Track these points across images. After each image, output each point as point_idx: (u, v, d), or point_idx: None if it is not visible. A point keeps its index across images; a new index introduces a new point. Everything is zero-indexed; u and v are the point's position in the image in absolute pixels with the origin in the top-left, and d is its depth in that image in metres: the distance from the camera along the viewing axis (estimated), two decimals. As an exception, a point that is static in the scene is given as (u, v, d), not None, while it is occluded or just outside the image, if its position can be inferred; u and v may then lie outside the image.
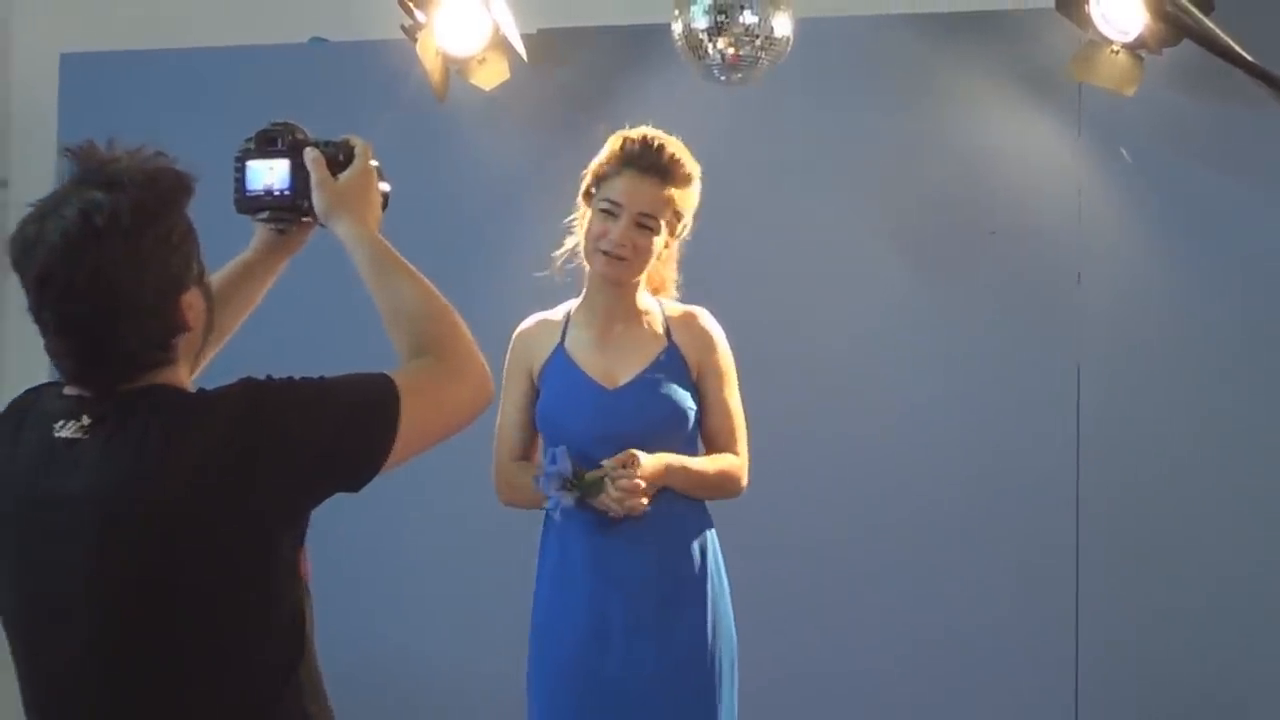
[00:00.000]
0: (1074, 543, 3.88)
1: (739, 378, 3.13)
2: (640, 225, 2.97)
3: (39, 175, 4.67)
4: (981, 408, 3.97)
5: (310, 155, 2.11)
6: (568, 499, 2.92)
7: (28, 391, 2.01)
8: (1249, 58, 3.55)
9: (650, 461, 2.93)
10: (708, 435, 3.10)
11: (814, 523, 3.98)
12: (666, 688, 2.96)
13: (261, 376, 1.90)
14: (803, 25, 3.59)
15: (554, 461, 2.91)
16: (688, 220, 3.06)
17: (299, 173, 2.11)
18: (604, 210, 2.99)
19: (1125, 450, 3.90)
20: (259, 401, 1.87)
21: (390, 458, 1.91)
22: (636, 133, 3.02)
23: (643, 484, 2.90)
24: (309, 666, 1.93)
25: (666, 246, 3.04)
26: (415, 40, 4.02)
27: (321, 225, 2.16)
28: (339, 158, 2.13)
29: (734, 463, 3.08)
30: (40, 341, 1.88)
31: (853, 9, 4.10)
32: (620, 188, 2.98)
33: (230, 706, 1.86)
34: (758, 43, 3.53)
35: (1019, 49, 4.01)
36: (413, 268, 2.08)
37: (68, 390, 1.92)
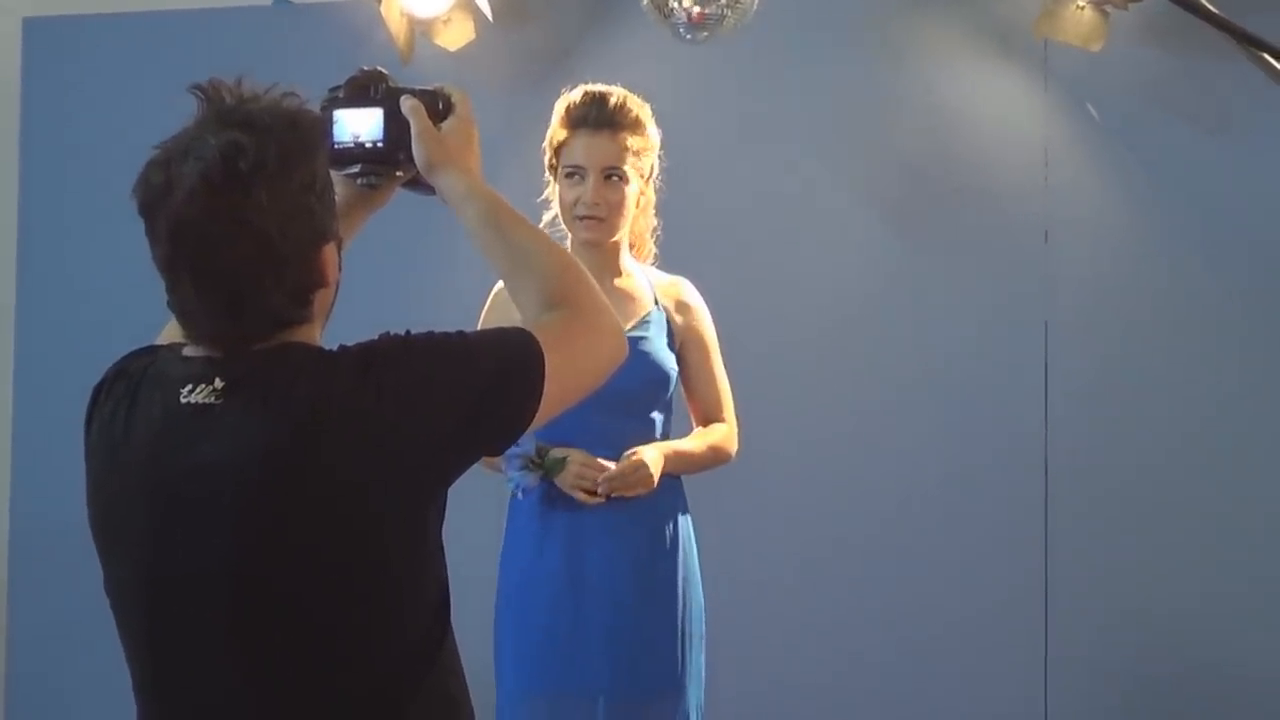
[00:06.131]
0: (1042, 498, 3.89)
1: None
2: (607, 180, 3.01)
3: (2, 144, 4.64)
4: (949, 367, 3.97)
5: (409, 103, 1.96)
6: (530, 479, 2.96)
7: (137, 354, 1.85)
8: (1215, 11, 3.55)
9: (650, 452, 2.97)
10: (697, 405, 3.15)
11: (779, 480, 3.98)
12: (637, 650, 2.98)
13: (400, 331, 1.78)
14: (768, -18, 3.58)
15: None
16: (654, 160, 3.08)
17: (393, 123, 1.97)
18: (570, 177, 3.03)
19: (1093, 408, 3.91)
20: (409, 357, 1.73)
21: (535, 418, 1.80)
22: (577, 93, 3.06)
23: (646, 474, 2.95)
24: (451, 645, 1.83)
25: (642, 194, 3.08)
26: (379, 1, 4.00)
27: (408, 186, 2.05)
28: (437, 106, 2.00)
29: (723, 432, 3.14)
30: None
31: (818, -34, 4.09)
32: (578, 150, 3.02)
33: (374, 687, 1.73)
34: (723, 1, 3.52)
35: (983, 5, 3.99)
36: (528, 219, 1.97)
37: (190, 351, 1.76)
